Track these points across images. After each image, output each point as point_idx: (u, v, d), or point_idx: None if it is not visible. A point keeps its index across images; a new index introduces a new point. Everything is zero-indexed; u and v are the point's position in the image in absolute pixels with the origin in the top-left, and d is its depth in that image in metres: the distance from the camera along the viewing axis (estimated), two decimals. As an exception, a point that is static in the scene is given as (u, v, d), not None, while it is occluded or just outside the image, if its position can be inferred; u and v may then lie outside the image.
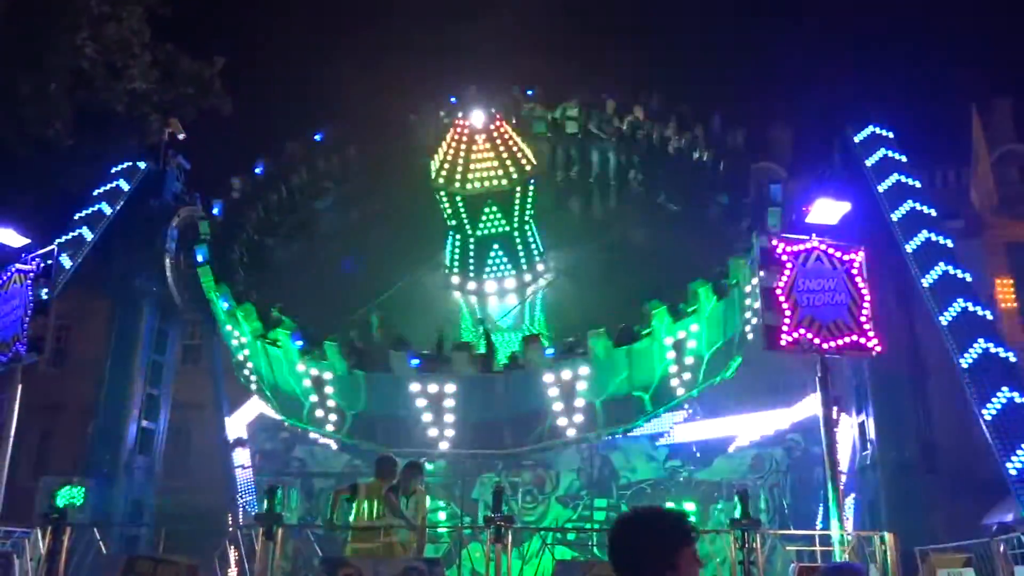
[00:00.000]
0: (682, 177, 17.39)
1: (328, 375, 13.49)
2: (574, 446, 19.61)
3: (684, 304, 13.06)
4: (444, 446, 13.44)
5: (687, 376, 13.84)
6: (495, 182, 14.79)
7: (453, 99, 18.39)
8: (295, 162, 18.11)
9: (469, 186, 14.79)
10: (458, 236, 15.74)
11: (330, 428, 14.19)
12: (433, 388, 13.07)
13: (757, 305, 13.87)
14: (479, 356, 13.21)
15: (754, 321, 14.47)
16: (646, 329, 12.92)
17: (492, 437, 13.58)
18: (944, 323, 12.40)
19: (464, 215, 15.25)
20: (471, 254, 15.69)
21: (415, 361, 13.00)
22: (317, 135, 18.47)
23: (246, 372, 15.39)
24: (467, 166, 14.70)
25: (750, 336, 14.69)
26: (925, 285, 12.87)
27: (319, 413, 13.99)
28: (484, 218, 15.23)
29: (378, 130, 18.79)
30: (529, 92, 19.08)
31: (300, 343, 13.36)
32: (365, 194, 18.64)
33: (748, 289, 14.09)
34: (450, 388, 13.06)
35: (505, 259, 15.64)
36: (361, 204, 18.53)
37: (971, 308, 12.48)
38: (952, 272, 12.88)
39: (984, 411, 11.42)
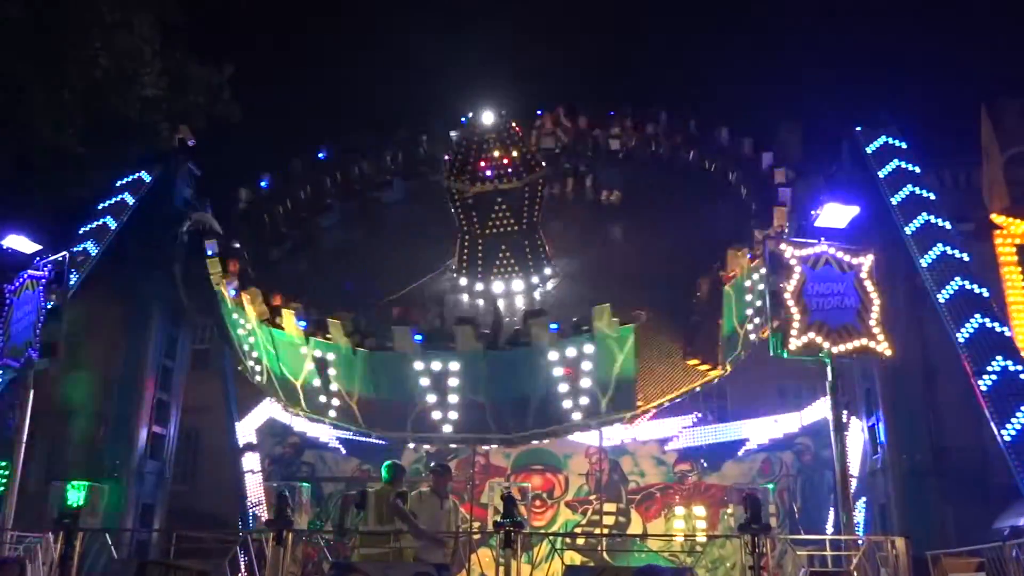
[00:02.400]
0: (692, 185, 17.45)
1: (332, 356, 13.40)
2: (582, 451, 19.68)
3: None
4: (448, 429, 13.29)
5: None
6: (506, 181, 14.82)
7: (464, 119, 18.69)
8: (299, 178, 18.31)
9: (480, 184, 14.83)
10: (467, 237, 15.77)
11: (332, 415, 14.08)
12: (436, 366, 12.91)
13: (759, 303, 13.83)
14: (483, 332, 13.08)
15: (756, 320, 14.41)
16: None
17: (496, 419, 13.34)
18: (961, 340, 12.32)
19: (474, 214, 15.28)
20: (479, 255, 15.71)
21: (418, 336, 12.89)
22: (320, 153, 18.68)
23: (251, 363, 15.36)
24: (478, 164, 14.74)
25: (752, 336, 14.63)
26: (941, 301, 12.79)
27: (322, 399, 13.87)
28: (493, 217, 15.25)
29: (382, 146, 19.04)
30: (539, 112, 19.34)
31: (304, 323, 13.33)
32: (370, 209, 18.76)
33: (748, 285, 13.99)
34: (454, 366, 12.89)
35: (512, 260, 15.65)
36: (366, 220, 18.60)
37: (988, 324, 12.37)
38: (969, 287, 12.79)
39: (1004, 432, 11.35)
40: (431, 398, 13.15)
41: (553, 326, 12.67)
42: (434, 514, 10.83)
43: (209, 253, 15.21)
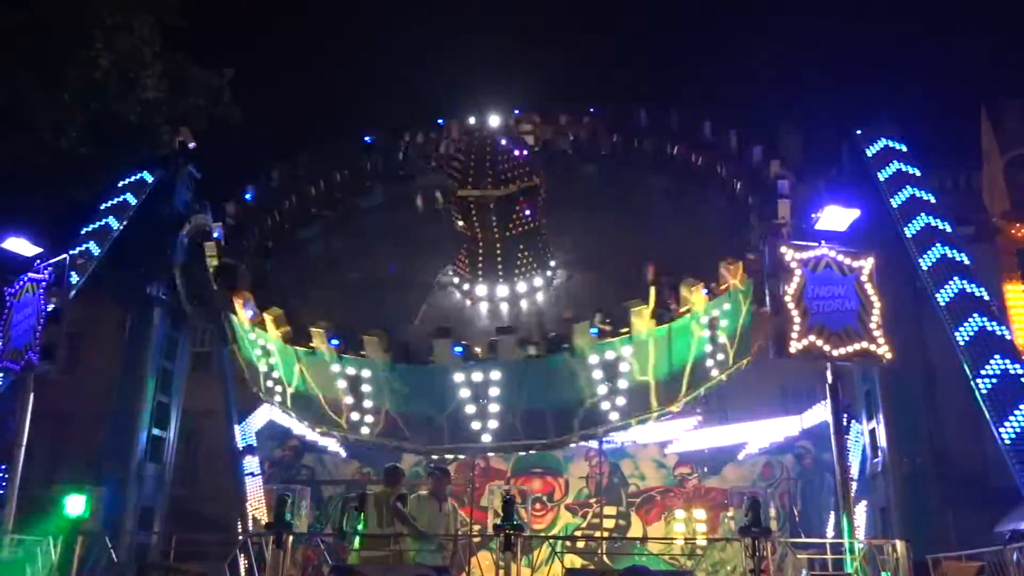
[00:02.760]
0: (696, 185, 17.41)
1: (366, 373, 13.30)
2: (582, 454, 19.67)
3: (715, 283, 12.93)
4: (487, 439, 13.26)
5: (720, 357, 13.65)
6: (521, 181, 14.79)
7: (440, 120, 18.63)
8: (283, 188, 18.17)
9: (484, 189, 14.77)
10: (472, 242, 15.67)
11: (365, 432, 13.94)
12: (477, 376, 12.89)
13: (722, 340, 13.79)
14: (524, 339, 13.04)
15: (719, 357, 14.37)
16: (685, 307, 12.84)
17: (535, 427, 13.35)
18: (961, 342, 12.32)
19: (475, 219, 15.20)
20: (480, 259, 15.64)
21: (459, 349, 12.83)
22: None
23: (269, 383, 15.09)
24: (491, 168, 14.67)
25: (714, 374, 14.64)
26: (941, 302, 12.78)
27: (355, 416, 13.75)
28: (497, 221, 15.19)
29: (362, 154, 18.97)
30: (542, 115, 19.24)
31: (336, 342, 13.28)
32: (353, 218, 18.70)
33: (707, 320, 14.01)
34: (494, 375, 12.86)
35: (520, 262, 15.62)
36: (355, 229, 18.52)
37: (988, 326, 12.35)
38: (968, 289, 12.77)
39: (1003, 431, 11.34)
40: (470, 409, 13.11)
41: (593, 330, 12.65)
42: (432, 517, 10.84)
43: (214, 263, 15.16)
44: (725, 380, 13.79)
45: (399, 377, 13.17)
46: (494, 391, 12.95)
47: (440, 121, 18.82)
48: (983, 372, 11.87)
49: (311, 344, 13.38)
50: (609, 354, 12.75)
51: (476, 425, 13.08)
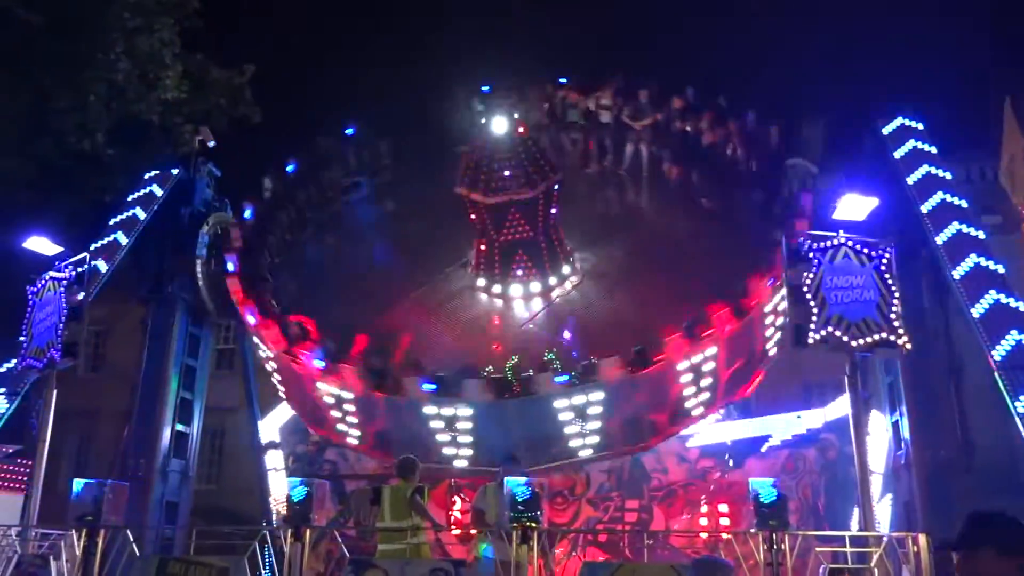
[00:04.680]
0: (715, 171, 17.21)
1: (348, 395, 13.77)
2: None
3: (701, 327, 12.94)
4: (461, 464, 13.77)
5: (705, 396, 13.82)
6: (517, 191, 14.76)
7: (485, 88, 18.37)
8: (327, 157, 18.25)
9: (491, 196, 14.77)
10: (483, 240, 15.72)
11: (352, 442, 14.54)
12: (448, 411, 13.30)
13: (780, 322, 13.77)
14: (493, 382, 13.32)
15: (776, 336, 14.35)
16: (660, 356, 12.87)
17: (507, 456, 13.73)
18: (976, 315, 12.10)
19: (487, 221, 15.24)
20: (495, 258, 15.68)
21: (430, 386, 13.17)
22: (349, 129, 18.49)
23: (275, 383, 15.80)
24: (490, 174, 14.68)
25: (772, 352, 14.56)
26: (956, 277, 12.56)
27: (341, 427, 14.32)
28: (507, 225, 15.21)
29: (411, 121, 18.81)
30: (562, 80, 18.92)
31: (322, 364, 13.54)
32: (397, 187, 18.71)
33: (768, 308, 13.94)
34: (464, 412, 13.29)
35: (529, 263, 15.61)
36: (393, 198, 18.59)
37: (1004, 300, 12.13)
38: (984, 264, 12.52)
39: (1019, 403, 11.13)
40: (443, 437, 13.49)
41: (561, 379, 12.91)
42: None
43: (230, 269, 15.38)
44: (709, 416, 13.92)
45: (376, 402, 13.62)
46: (465, 424, 13.33)
47: (485, 89, 18.44)
48: (999, 346, 11.63)
49: (299, 360, 13.80)
50: (578, 398, 12.99)
51: (450, 451, 13.51)
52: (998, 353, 11.64)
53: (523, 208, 14.98)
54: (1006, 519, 3.30)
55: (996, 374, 11.48)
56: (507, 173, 14.58)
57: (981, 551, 3.03)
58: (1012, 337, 11.63)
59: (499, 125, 14.83)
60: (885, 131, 14.81)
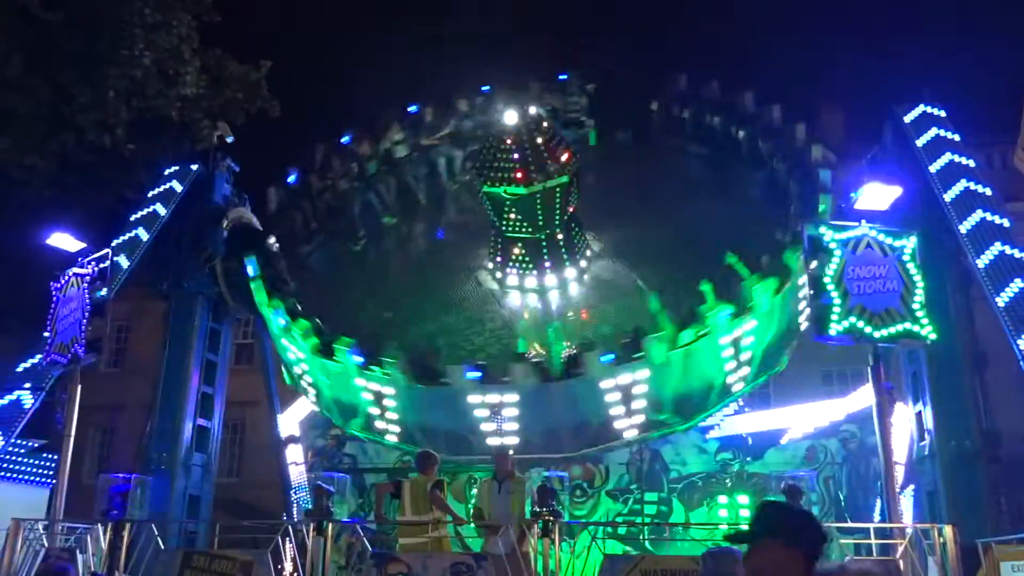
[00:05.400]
0: (728, 152, 17.09)
1: (389, 390, 13.62)
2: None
3: (742, 302, 12.84)
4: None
5: (743, 371, 13.66)
6: (537, 181, 14.66)
7: (485, 88, 18.38)
8: (337, 164, 18.27)
9: (511, 185, 14.68)
10: (498, 234, 15.67)
11: (391, 439, 14.39)
12: (493, 399, 13.17)
13: (809, 292, 13.61)
14: (538, 364, 13.22)
15: (807, 311, 14.19)
16: (703, 330, 12.75)
17: (552, 443, 13.67)
18: (1001, 304, 11.96)
19: (495, 214, 15.17)
20: (512, 251, 15.62)
21: (473, 374, 13.07)
22: (344, 138, 18.49)
23: (304, 384, 15.64)
24: (500, 167, 14.59)
25: (804, 325, 14.42)
26: (980, 266, 12.42)
27: (380, 425, 14.15)
28: (525, 217, 15.13)
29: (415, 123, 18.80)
30: (562, 77, 18.84)
31: (360, 359, 13.47)
32: (410, 192, 18.74)
33: (801, 281, 13.82)
34: (510, 398, 13.14)
35: (546, 256, 15.53)
36: (407, 203, 18.60)
37: None
38: (1009, 252, 12.38)
39: None
40: (488, 427, 13.35)
41: (607, 358, 12.72)
42: (491, 500, 10.93)
43: (251, 273, 15.43)
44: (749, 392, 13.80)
45: (419, 394, 13.45)
46: (510, 412, 13.19)
47: (412, 109, 18.57)
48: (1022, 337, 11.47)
49: (335, 358, 13.64)
50: (624, 377, 12.84)
51: (495, 441, 13.29)
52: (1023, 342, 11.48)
53: (540, 199, 14.87)
54: (794, 510, 3.33)
55: (1022, 363, 11.34)
56: (522, 162, 14.46)
57: (770, 542, 2.98)
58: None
59: (511, 117, 14.80)
60: (907, 119, 14.63)
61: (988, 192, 13.26)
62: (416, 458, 11.27)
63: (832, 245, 11.58)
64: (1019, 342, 11.49)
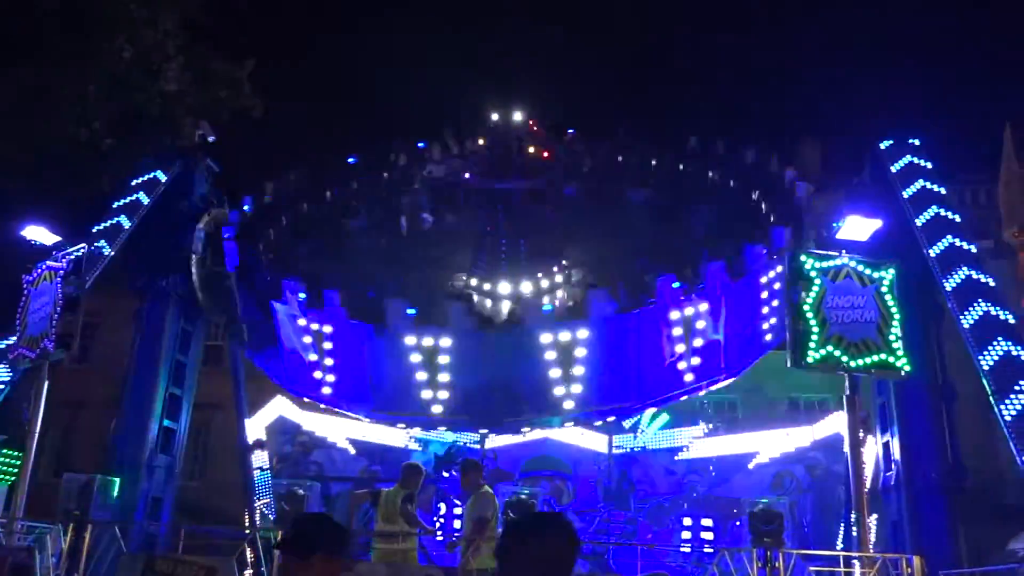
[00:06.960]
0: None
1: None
2: (591, 458, 19.59)
3: (694, 278, 12.91)
4: (437, 410, 13.45)
5: (696, 361, 13.57)
6: (531, 179, 14.83)
7: (421, 144, 18.56)
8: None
9: (507, 182, 14.80)
10: (489, 238, 15.74)
11: (327, 391, 14.09)
12: (428, 341, 13.09)
13: (776, 304, 13.76)
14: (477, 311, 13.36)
15: (772, 321, 14.29)
16: (651, 298, 12.76)
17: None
18: (966, 325, 12.27)
19: (498, 214, 15.29)
20: (502, 256, 15.70)
21: (411, 310, 13.14)
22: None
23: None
24: (505, 162, 14.72)
25: (768, 337, 14.48)
26: (948, 288, 12.76)
27: (318, 374, 13.95)
28: (518, 217, 15.26)
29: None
30: (571, 131, 19.10)
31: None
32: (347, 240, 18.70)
33: (764, 280, 13.92)
34: (445, 342, 13.05)
35: (535, 258, 15.65)
36: (344, 252, 18.51)
37: (993, 311, 12.33)
38: (975, 276, 12.76)
39: (1003, 408, 11.25)
40: (421, 376, 13.29)
41: (548, 307, 13.00)
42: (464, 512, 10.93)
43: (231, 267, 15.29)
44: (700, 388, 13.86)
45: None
46: (443, 359, 13.11)
47: (421, 144, 18.75)
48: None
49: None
50: (564, 335, 12.88)
51: (427, 395, 13.17)
52: (986, 361, 11.74)
53: (532, 198, 15.02)
54: (330, 523, 3.46)
55: (983, 380, 11.59)
56: (519, 161, 14.62)
57: (312, 558, 3.12)
58: (1000, 346, 11.76)
59: (511, 116, 15.01)
60: (882, 146, 14.98)
61: (958, 219, 13.62)
62: (402, 469, 11.25)
63: (813, 273, 11.75)
64: (981, 360, 11.75)
